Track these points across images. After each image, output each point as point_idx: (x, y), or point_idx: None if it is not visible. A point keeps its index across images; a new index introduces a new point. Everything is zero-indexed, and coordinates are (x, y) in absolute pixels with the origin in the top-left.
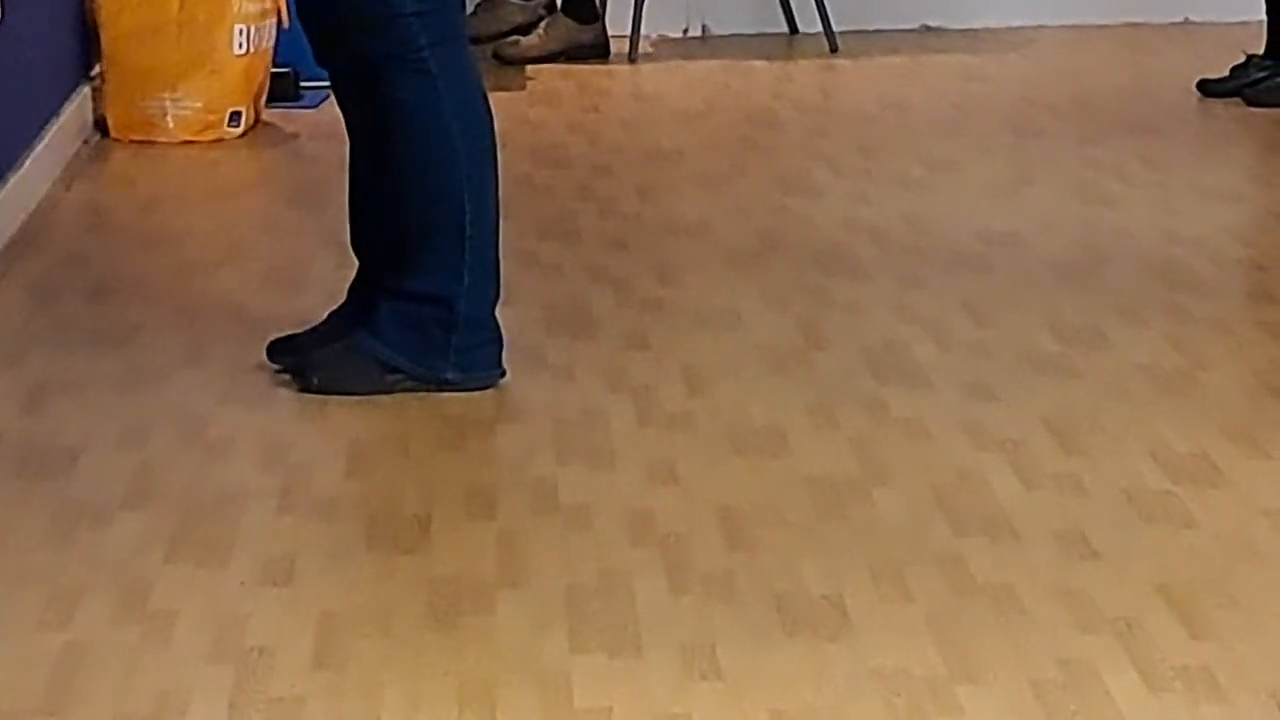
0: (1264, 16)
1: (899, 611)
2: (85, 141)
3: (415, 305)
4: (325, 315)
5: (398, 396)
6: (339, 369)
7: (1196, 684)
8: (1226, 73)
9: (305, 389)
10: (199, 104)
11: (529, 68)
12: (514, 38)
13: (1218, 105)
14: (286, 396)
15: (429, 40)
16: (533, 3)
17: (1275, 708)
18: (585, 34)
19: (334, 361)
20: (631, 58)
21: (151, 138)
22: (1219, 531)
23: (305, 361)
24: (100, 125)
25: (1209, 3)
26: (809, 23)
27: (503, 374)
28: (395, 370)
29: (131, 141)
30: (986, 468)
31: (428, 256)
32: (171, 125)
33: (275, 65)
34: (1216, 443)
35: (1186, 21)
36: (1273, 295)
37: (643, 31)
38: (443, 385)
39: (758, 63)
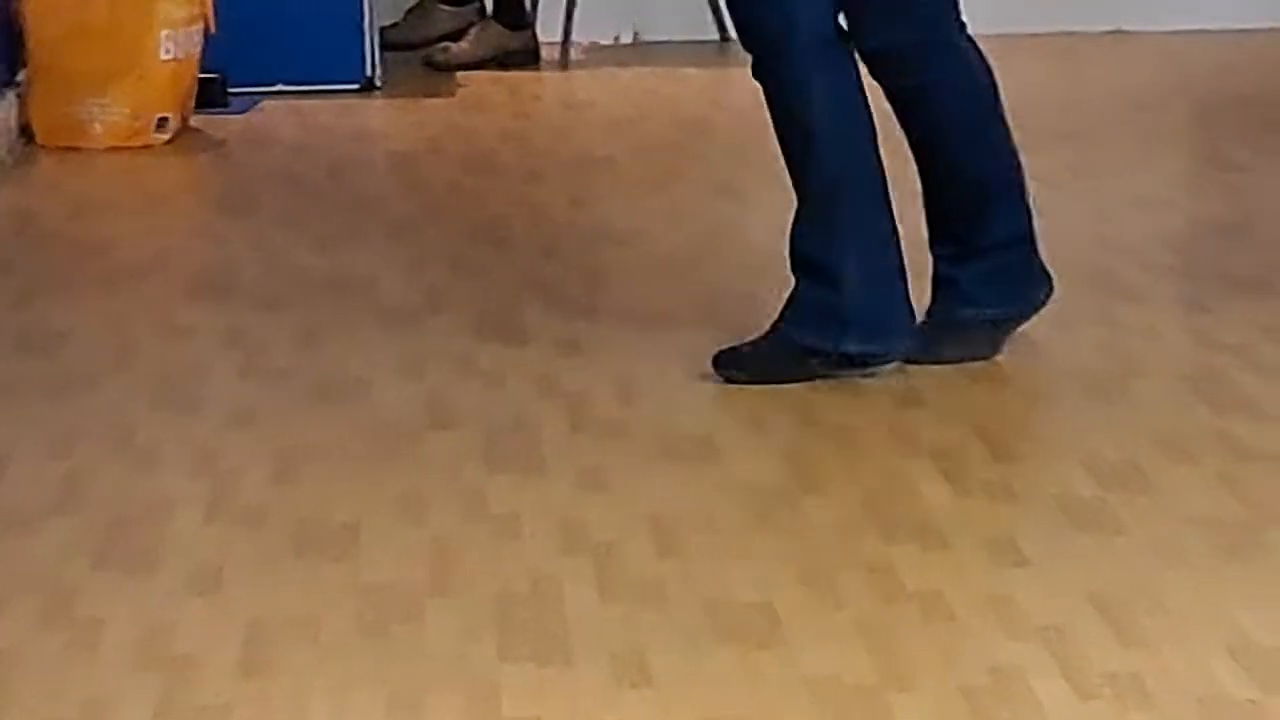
0: (1199, 26)
1: (829, 619)
2: (11, 148)
3: (999, 254)
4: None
5: (331, 402)
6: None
7: (1125, 691)
8: None
9: (929, 360)
10: (126, 110)
11: (459, 74)
12: (444, 44)
13: (1148, 115)
14: (214, 404)
15: (956, 15)
16: (463, 9)
17: (1203, 715)
18: (516, 40)
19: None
20: (563, 64)
21: (78, 144)
22: (1149, 539)
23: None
24: (26, 131)
25: (1141, 12)
26: None
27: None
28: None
29: (58, 147)
30: (916, 475)
31: (1001, 207)
32: (99, 131)
33: (203, 70)
34: (1147, 450)
35: (1119, 31)
36: (1203, 304)
37: (574, 38)
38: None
39: (690, 69)
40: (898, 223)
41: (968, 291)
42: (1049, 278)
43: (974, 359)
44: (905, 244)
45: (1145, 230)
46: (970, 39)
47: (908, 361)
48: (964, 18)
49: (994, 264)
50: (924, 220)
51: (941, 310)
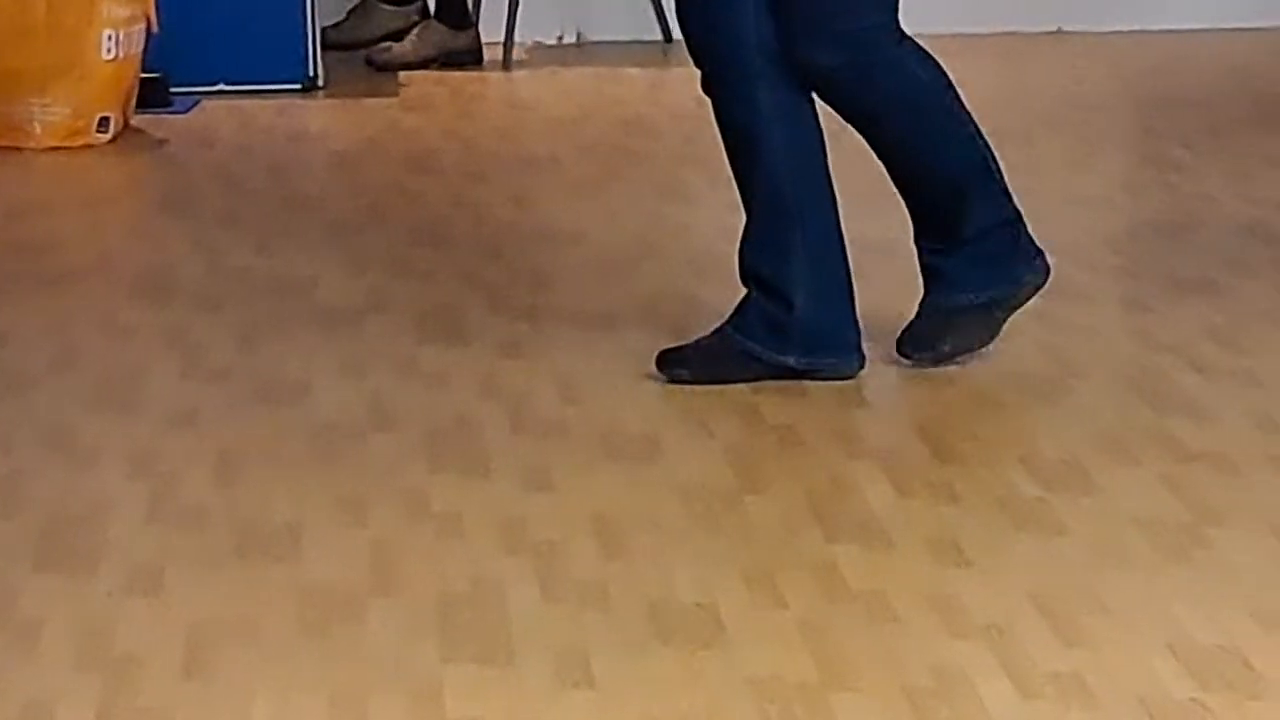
0: (1140, 27)
1: (772, 618)
2: None
3: (981, 244)
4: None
5: (272, 403)
6: (960, 330)
7: (1067, 690)
8: None
9: (935, 359)
10: (67, 110)
11: (402, 74)
12: (386, 44)
13: (1088, 115)
14: (154, 405)
15: (891, 39)
16: (405, 9)
17: (1144, 714)
18: (459, 40)
19: (947, 326)
20: (505, 64)
21: (18, 144)
22: (1090, 538)
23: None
24: None
25: (1082, 13)
26: None
27: (1044, 254)
28: (997, 305)
29: None
30: (860, 475)
31: (974, 201)
32: (39, 131)
33: (145, 70)
34: (1088, 450)
35: (1059, 31)
36: (1144, 303)
37: (517, 38)
38: (1025, 288)
39: (632, 70)
40: (845, 239)
41: (956, 279)
42: (1040, 255)
43: (969, 350)
44: (872, 247)
45: (1086, 230)
46: (911, 44)
47: (905, 358)
48: (902, 27)
49: (979, 250)
50: (870, 223)
51: (933, 299)
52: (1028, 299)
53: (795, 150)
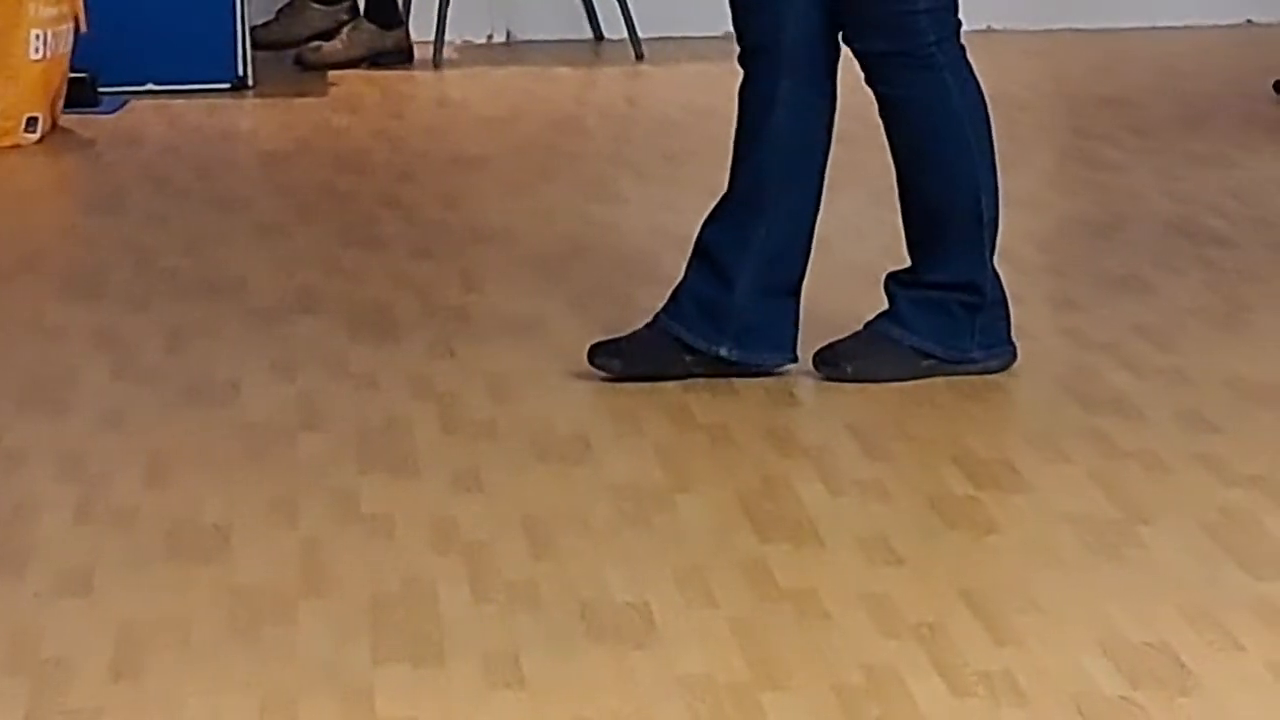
0: (1069, 26)
1: (703, 618)
2: None
3: (937, 293)
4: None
5: (201, 404)
6: (873, 356)
7: (999, 688)
8: None
9: (837, 377)
10: None
11: (331, 74)
12: (316, 43)
13: (1018, 114)
14: (83, 406)
15: (936, 36)
16: (335, 8)
17: (1076, 711)
18: (388, 39)
19: (865, 350)
20: (436, 64)
21: None
22: (1021, 537)
23: (834, 351)
24: None
25: (1011, 12)
26: (614, 29)
27: (1015, 349)
28: (928, 355)
29: None
30: (791, 474)
31: (949, 246)
32: None
33: (73, 70)
34: (1019, 448)
35: (989, 30)
36: (1073, 302)
37: (446, 37)
38: (968, 365)
39: (563, 69)
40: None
41: (901, 313)
42: (1009, 345)
43: (875, 379)
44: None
45: (1015, 229)
46: (962, 62)
47: (832, 379)
48: (960, 42)
49: (932, 299)
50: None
51: (873, 322)
52: (967, 373)
53: (793, 147)
